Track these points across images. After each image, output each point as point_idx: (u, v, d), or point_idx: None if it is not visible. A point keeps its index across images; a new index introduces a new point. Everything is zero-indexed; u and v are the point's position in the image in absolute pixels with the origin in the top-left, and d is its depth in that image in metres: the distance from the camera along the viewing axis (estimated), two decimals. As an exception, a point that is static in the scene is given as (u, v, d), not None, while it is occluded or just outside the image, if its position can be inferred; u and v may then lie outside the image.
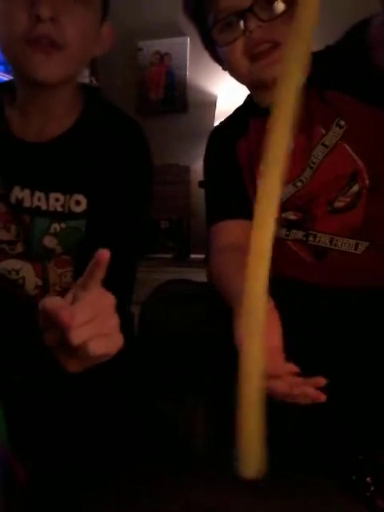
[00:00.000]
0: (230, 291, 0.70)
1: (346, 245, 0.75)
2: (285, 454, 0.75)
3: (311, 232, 0.78)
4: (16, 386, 0.66)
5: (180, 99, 2.97)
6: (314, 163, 0.78)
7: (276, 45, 0.74)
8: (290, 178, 0.79)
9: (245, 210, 0.80)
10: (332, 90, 0.77)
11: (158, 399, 0.66)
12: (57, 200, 0.74)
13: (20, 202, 0.74)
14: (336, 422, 0.72)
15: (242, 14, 0.73)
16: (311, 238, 0.78)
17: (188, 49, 2.91)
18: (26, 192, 0.74)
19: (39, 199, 0.74)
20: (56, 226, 0.74)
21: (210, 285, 0.83)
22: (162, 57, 3.01)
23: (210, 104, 2.84)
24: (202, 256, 2.35)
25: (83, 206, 0.74)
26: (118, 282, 0.74)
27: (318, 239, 0.77)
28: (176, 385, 0.68)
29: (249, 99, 0.91)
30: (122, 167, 0.75)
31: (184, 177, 2.68)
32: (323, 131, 0.78)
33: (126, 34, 2.55)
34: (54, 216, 0.74)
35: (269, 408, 0.74)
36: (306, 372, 0.71)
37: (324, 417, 0.72)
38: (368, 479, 0.64)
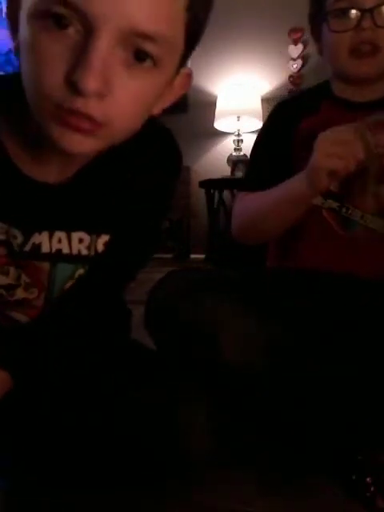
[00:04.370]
0: (272, 191, 0.85)
1: (374, 222, 0.81)
2: (285, 453, 0.75)
3: (346, 205, 0.84)
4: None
5: (180, 99, 2.97)
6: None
7: (376, 49, 0.82)
8: None
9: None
10: None
11: (157, 393, 0.65)
12: (81, 241, 0.63)
13: (37, 247, 0.61)
14: (336, 422, 0.72)
15: (362, 11, 0.81)
16: (344, 210, 0.84)
17: (188, 49, 2.92)
18: (44, 235, 0.61)
19: (60, 241, 0.62)
20: (81, 271, 0.65)
21: (215, 272, 0.88)
22: (162, 57, 3.01)
23: (210, 104, 2.84)
24: (202, 256, 2.35)
25: None
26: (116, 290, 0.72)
27: (350, 212, 0.83)
28: (178, 379, 0.68)
29: (323, 84, 0.98)
30: (146, 190, 0.66)
31: (184, 177, 2.67)
32: None
33: (125, 34, 2.56)
34: (79, 260, 0.64)
35: (269, 408, 0.75)
36: (308, 367, 0.72)
37: (324, 416, 0.72)
38: (368, 479, 0.64)
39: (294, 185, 0.81)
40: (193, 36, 0.50)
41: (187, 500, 0.64)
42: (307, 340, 0.74)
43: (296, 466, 0.72)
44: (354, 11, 0.82)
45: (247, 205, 0.94)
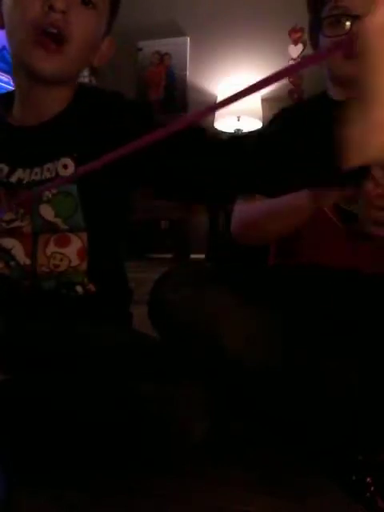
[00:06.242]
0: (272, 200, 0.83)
1: None
2: (285, 454, 0.75)
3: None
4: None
5: (180, 99, 2.97)
6: None
7: None
8: None
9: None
10: None
11: (158, 386, 0.65)
12: (48, 170, 0.78)
13: (21, 181, 0.78)
14: (337, 421, 0.72)
15: (353, 17, 0.83)
16: (346, 203, 0.84)
17: (188, 49, 2.91)
18: (27, 172, 0.79)
19: (36, 174, 0.78)
20: (47, 193, 0.77)
21: (217, 269, 0.89)
22: (162, 57, 3.01)
23: (210, 104, 2.84)
24: (202, 256, 2.35)
25: (71, 169, 0.77)
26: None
27: (351, 206, 0.83)
28: (179, 371, 0.68)
29: (322, 94, 1.00)
30: (115, 120, 0.78)
31: (184, 177, 2.67)
32: None
33: (125, 34, 2.55)
34: (45, 183, 0.77)
35: (268, 408, 0.75)
36: (308, 364, 0.72)
37: (325, 415, 0.72)
38: (368, 479, 0.64)
39: (294, 201, 0.80)
40: (114, 1, 0.78)
41: (187, 500, 0.64)
42: (308, 337, 0.74)
43: (296, 466, 0.72)
44: (345, 18, 0.84)
45: (249, 206, 0.94)
